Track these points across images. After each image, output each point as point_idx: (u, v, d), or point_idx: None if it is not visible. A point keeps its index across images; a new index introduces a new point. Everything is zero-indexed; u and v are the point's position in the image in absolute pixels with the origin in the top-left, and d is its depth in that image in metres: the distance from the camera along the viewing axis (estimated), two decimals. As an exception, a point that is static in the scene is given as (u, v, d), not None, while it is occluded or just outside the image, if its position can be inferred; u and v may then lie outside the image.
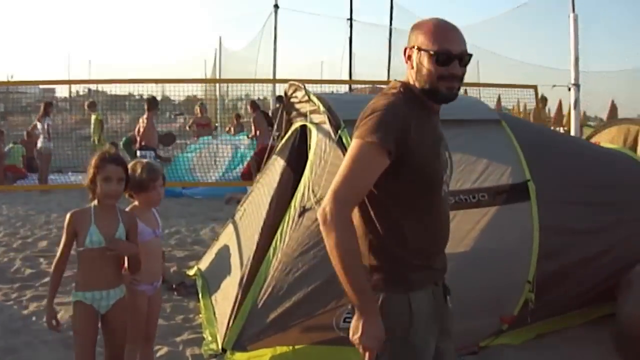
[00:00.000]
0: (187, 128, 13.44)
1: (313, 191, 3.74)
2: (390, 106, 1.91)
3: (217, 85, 15.37)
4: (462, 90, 3.61)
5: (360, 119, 1.93)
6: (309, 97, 4.00)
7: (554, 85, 7.06)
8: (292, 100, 4.54)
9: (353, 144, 1.90)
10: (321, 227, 1.86)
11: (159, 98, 10.54)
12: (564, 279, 3.96)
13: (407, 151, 1.87)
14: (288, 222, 3.78)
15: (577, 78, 6.53)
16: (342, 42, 15.51)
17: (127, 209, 2.98)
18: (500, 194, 3.88)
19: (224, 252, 4.88)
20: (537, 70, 13.65)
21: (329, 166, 3.72)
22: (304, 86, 4.08)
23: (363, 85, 15.42)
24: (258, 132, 10.93)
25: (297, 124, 4.63)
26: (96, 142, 12.53)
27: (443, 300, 2.08)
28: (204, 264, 5.31)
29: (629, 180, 4.51)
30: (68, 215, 2.76)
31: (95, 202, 2.78)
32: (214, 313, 4.22)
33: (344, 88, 15.58)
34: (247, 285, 3.80)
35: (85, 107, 13.63)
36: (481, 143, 4.08)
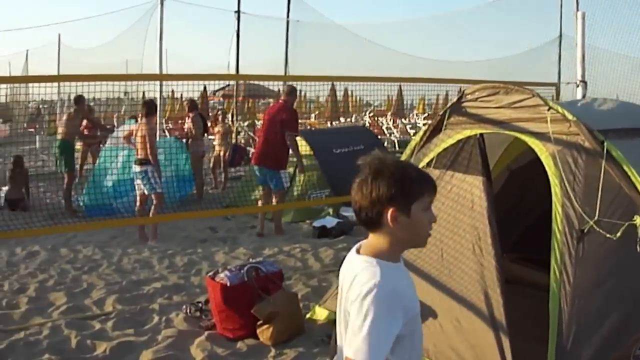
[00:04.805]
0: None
1: (585, 212, 3.42)
2: None
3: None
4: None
5: None
6: (547, 104, 3.58)
7: (568, 83, 7.37)
8: (478, 103, 4.05)
9: None
10: None
11: None
12: None
13: None
14: (559, 249, 3.43)
15: (583, 75, 6.85)
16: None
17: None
18: None
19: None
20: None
21: (599, 182, 3.42)
22: (538, 94, 3.63)
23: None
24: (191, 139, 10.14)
25: (469, 132, 4.16)
26: None
27: None
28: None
29: None
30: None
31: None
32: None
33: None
34: (505, 327, 3.45)
35: None
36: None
